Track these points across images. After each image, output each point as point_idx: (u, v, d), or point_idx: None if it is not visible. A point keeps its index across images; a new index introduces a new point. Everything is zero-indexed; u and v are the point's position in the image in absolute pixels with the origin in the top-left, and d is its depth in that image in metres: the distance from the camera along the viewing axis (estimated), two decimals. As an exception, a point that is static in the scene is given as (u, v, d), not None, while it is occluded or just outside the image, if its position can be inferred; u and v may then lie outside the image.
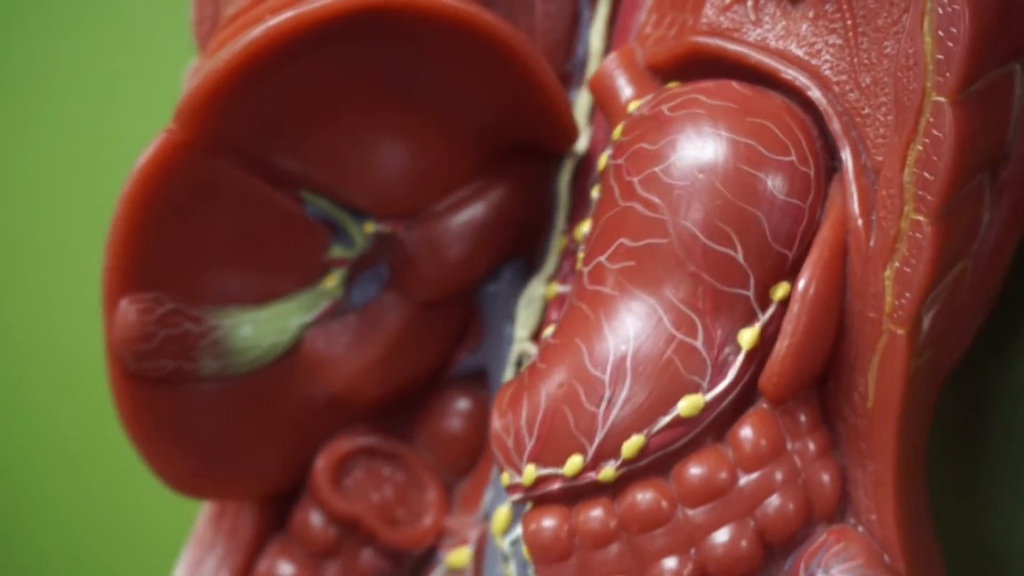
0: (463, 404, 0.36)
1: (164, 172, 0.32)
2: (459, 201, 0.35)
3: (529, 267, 0.36)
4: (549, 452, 0.29)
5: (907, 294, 0.27)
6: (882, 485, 0.27)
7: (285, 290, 0.35)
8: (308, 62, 0.31)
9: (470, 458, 0.36)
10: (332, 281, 0.35)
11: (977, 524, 0.32)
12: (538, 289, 0.35)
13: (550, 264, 0.35)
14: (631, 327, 0.28)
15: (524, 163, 0.35)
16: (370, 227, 0.35)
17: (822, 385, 0.28)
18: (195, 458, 0.34)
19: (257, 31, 0.30)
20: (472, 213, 0.35)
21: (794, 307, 0.27)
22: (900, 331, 0.27)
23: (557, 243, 0.35)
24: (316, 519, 0.36)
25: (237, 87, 0.31)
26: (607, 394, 0.28)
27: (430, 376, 0.36)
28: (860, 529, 0.28)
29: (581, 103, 0.35)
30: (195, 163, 0.32)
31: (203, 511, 0.37)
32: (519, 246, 0.35)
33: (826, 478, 0.28)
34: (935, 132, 0.27)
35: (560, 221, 0.35)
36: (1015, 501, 0.32)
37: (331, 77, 0.32)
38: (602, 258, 0.29)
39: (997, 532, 0.32)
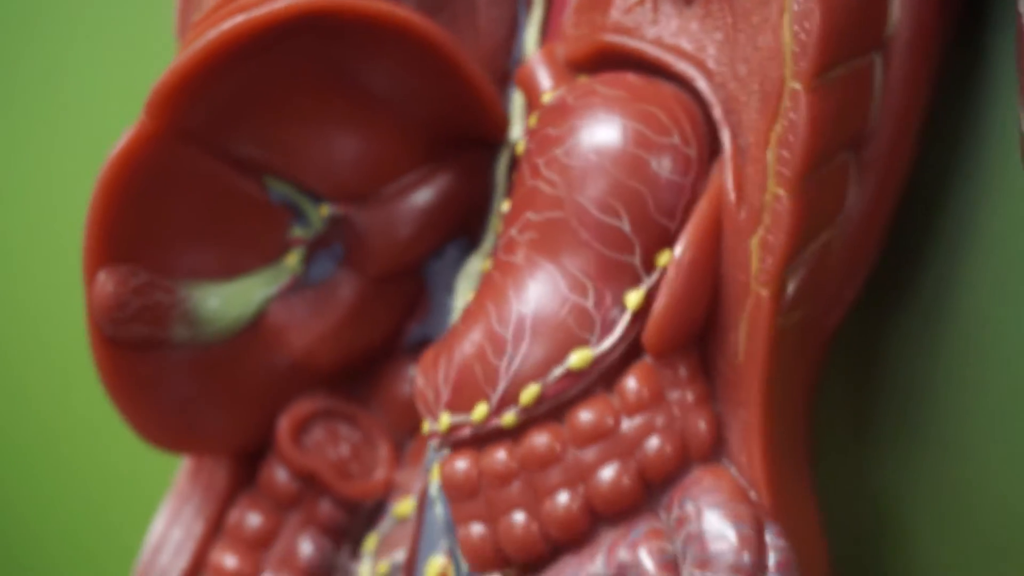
0: (414, 371, 0.40)
1: (135, 159, 0.36)
2: (407, 186, 0.38)
3: (471, 245, 0.39)
4: (460, 401, 0.32)
5: (769, 259, 0.30)
6: (750, 430, 0.31)
7: (250, 266, 0.39)
8: (261, 59, 0.35)
9: (419, 419, 0.40)
10: (292, 259, 0.39)
11: (869, 472, 0.35)
12: (476, 265, 0.38)
13: (488, 242, 0.39)
14: (532, 291, 0.32)
15: (466, 151, 0.39)
16: (326, 210, 0.38)
17: (702, 342, 0.32)
18: (169, 416, 0.38)
19: (213, 33, 0.34)
20: (419, 197, 0.39)
21: (671, 271, 0.31)
22: (764, 292, 0.30)
23: (495, 223, 0.39)
24: (280, 474, 0.40)
25: (198, 82, 0.35)
26: (509, 350, 0.32)
27: (383, 345, 0.40)
28: (732, 470, 0.31)
29: (517, 97, 0.39)
30: (164, 151, 0.36)
31: (182, 466, 0.41)
32: (462, 226, 0.39)
33: (702, 424, 0.31)
34: (791, 115, 0.30)
35: (498, 203, 0.39)
36: (903, 450, 0.35)
37: (285, 72, 0.36)
38: (512, 231, 0.33)
39: (886, 480, 0.35)
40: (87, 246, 0.36)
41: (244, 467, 0.41)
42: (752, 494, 0.30)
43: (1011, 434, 0.33)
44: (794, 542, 0.30)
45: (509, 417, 0.32)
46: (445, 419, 0.33)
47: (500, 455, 0.32)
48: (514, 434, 0.32)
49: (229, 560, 0.40)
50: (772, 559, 0.29)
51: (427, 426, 0.33)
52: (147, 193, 0.36)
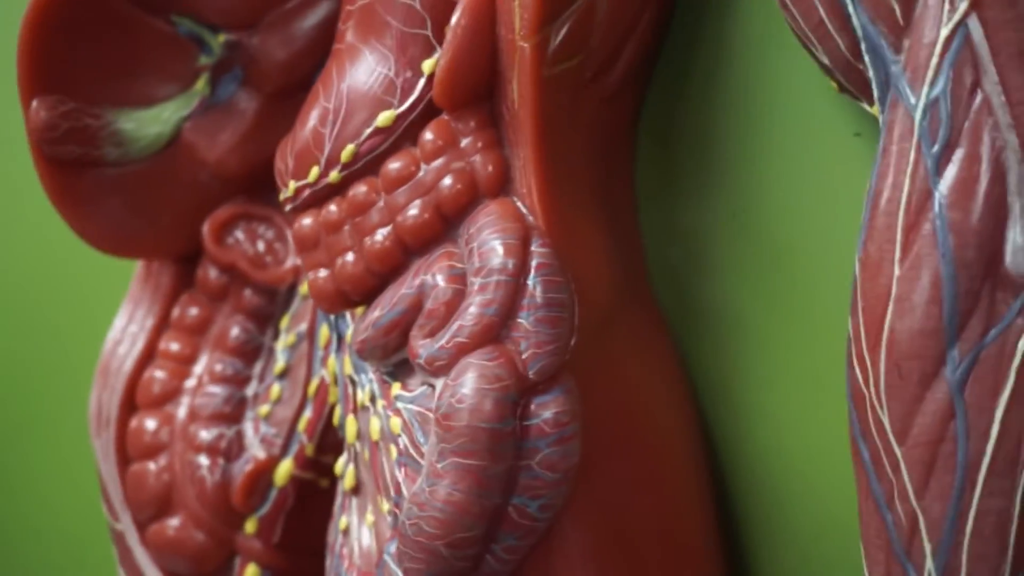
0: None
1: (51, 5, 0.43)
2: (290, 11, 0.45)
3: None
4: (300, 168, 0.38)
5: (527, 16, 0.35)
6: (527, 165, 0.36)
7: (167, 94, 0.45)
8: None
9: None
10: (200, 83, 0.45)
11: (677, 216, 0.40)
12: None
13: (359, 54, 0.44)
14: (349, 69, 0.38)
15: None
16: (222, 37, 0.45)
17: (492, 97, 0.37)
18: (109, 226, 0.46)
19: None
20: (302, 20, 0.45)
21: (449, 35, 0.36)
22: (526, 45, 0.35)
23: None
24: (211, 271, 0.47)
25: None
26: (331, 118, 0.38)
27: (286, 154, 0.46)
28: (516, 201, 0.36)
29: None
30: (76, -2, 0.43)
31: (135, 274, 0.48)
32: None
33: (490, 165, 0.36)
34: None
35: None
36: (703, 197, 0.40)
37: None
38: (341, 24, 0.39)
39: (692, 222, 0.40)
40: (20, 83, 0.44)
41: (184, 270, 0.48)
42: (529, 218, 0.36)
43: (792, 172, 0.38)
44: (570, 258, 0.36)
45: (334, 175, 0.38)
46: (292, 185, 0.39)
47: (332, 208, 0.38)
48: (341, 189, 0.38)
49: (174, 346, 0.47)
50: (534, 262, 0.35)
51: (281, 196, 0.39)
52: (67, 34, 0.43)
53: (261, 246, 0.47)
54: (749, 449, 0.40)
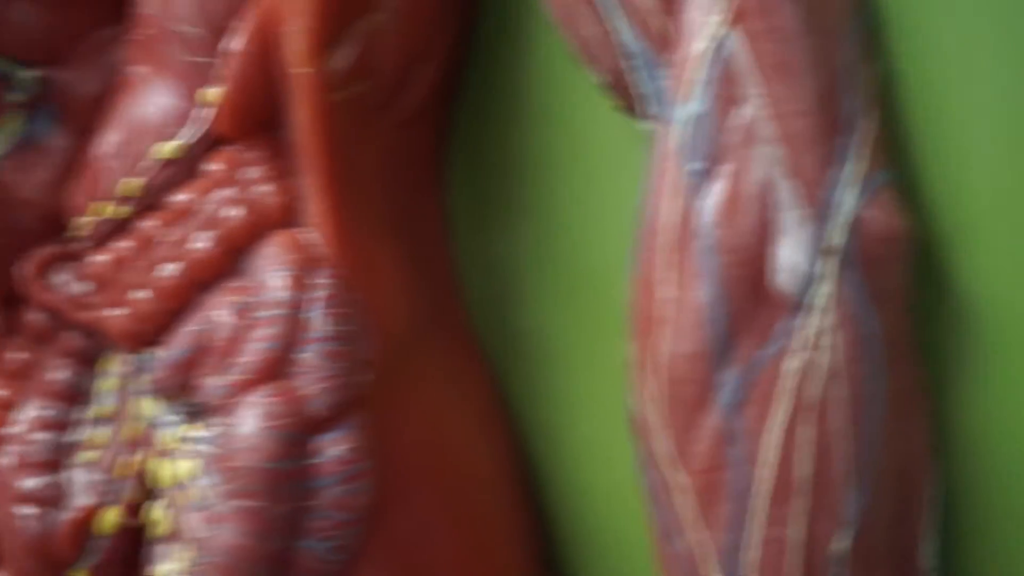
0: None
1: None
2: (97, 45, 0.43)
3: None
4: (91, 204, 0.37)
5: (304, 42, 0.34)
6: (314, 193, 0.35)
7: (-20, 133, 0.44)
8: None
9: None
10: (14, 122, 0.44)
11: (491, 245, 0.39)
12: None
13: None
14: (133, 99, 0.37)
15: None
16: (32, 73, 0.44)
17: (278, 126, 0.36)
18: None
19: None
20: (109, 53, 0.44)
21: (229, 62, 0.35)
22: (305, 71, 0.34)
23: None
24: (34, 314, 0.45)
25: None
26: (117, 151, 0.37)
27: (106, 190, 0.45)
28: (304, 231, 0.35)
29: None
30: None
31: (-40, 320, 0.47)
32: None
33: (276, 196, 0.35)
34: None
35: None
36: (516, 227, 0.39)
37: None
38: (128, 54, 0.38)
39: (505, 251, 0.39)
40: None
41: (10, 313, 0.46)
42: (317, 248, 0.35)
43: (594, 201, 0.37)
44: (363, 288, 0.35)
45: (124, 209, 0.37)
46: (83, 221, 0.38)
47: (123, 244, 0.37)
48: (132, 223, 0.37)
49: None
50: (318, 293, 0.34)
51: (76, 232, 0.38)
52: None
53: (85, 286, 0.45)
54: (568, 477, 0.39)
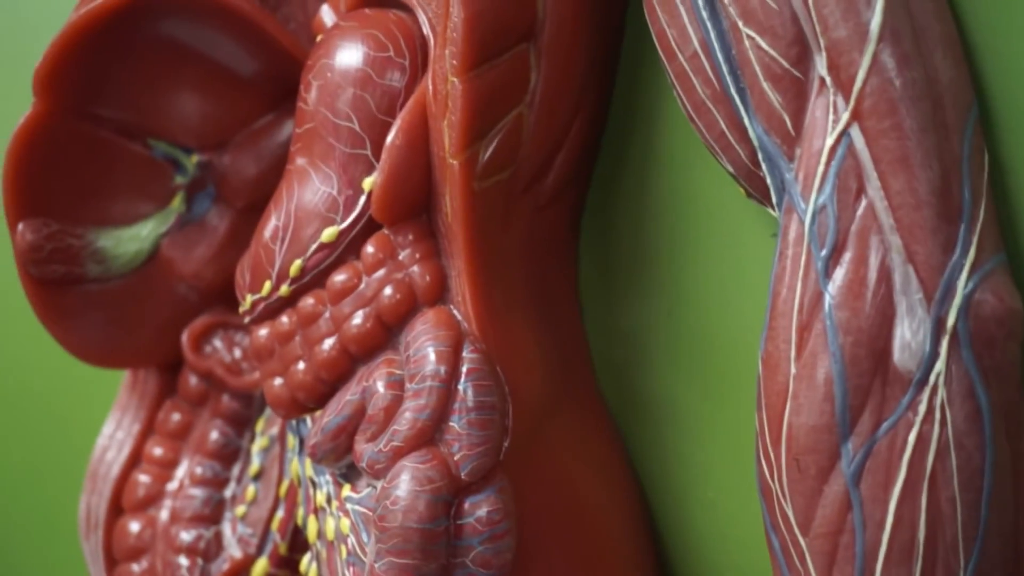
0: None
1: (32, 136, 0.45)
2: (256, 132, 0.47)
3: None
4: (254, 283, 0.41)
5: (455, 135, 0.37)
6: (461, 275, 0.38)
7: (145, 212, 0.48)
8: (115, 39, 0.44)
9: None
10: (176, 202, 0.48)
11: (619, 315, 0.42)
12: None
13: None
14: (297, 188, 0.40)
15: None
16: (195, 158, 0.47)
17: (430, 211, 0.39)
18: (93, 338, 0.48)
19: (73, 17, 0.44)
20: (267, 139, 0.47)
21: (384, 154, 0.38)
22: (455, 162, 0.37)
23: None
24: (191, 378, 0.49)
25: (68, 62, 0.44)
26: (280, 235, 0.40)
27: (259, 265, 0.49)
28: (452, 309, 0.38)
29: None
30: (55, 125, 0.46)
31: (122, 383, 0.51)
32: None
33: (427, 275, 0.38)
34: (453, 16, 0.37)
35: (329, 137, 0.47)
36: (643, 300, 0.41)
37: (140, 49, 0.45)
38: (292, 147, 0.41)
39: (631, 321, 0.41)
40: (6, 208, 0.46)
41: (168, 377, 0.50)
42: (464, 325, 0.38)
43: (718, 270, 0.40)
44: (503, 361, 0.38)
45: (284, 288, 0.40)
46: (248, 299, 0.41)
47: (284, 319, 0.40)
48: (292, 302, 0.40)
49: (157, 450, 0.49)
50: (465, 367, 0.36)
51: (240, 309, 0.41)
52: (47, 160, 0.46)
53: (237, 353, 0.49)
54: (692, 538, 0.41)
